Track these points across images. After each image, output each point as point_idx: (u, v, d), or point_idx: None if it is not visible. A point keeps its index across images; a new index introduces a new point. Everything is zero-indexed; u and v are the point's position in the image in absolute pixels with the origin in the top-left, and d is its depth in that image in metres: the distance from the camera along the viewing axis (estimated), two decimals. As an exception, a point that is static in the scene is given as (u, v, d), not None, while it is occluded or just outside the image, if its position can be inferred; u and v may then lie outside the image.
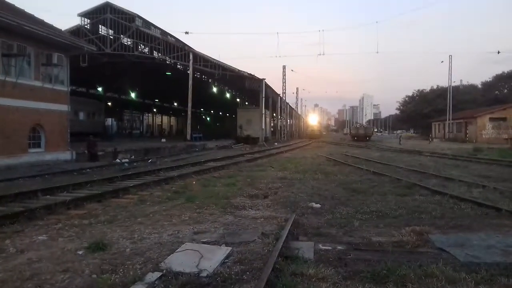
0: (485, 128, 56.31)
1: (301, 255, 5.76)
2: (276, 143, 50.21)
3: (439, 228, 7.52)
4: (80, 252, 5.95)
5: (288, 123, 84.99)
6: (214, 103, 79.54)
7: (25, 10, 21.75)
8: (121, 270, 5.16)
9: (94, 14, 40.86)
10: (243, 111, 52.96)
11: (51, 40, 20.90)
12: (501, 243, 6.36)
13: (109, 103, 60.21)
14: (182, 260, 5.43)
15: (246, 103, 78.14)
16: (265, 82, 49.28)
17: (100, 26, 42.10)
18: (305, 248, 6.15)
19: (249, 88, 49.85)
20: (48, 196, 10.83)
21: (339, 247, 6.27)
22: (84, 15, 40.86)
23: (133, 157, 25.67)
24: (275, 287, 4.49)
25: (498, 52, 42.73)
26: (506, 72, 76.51)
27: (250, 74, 46.42)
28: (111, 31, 42.38)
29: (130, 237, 6.82)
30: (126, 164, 21.23)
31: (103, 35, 42.18)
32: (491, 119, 56.42)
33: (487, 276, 4.91)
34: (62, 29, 26.61)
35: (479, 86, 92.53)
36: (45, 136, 21.55)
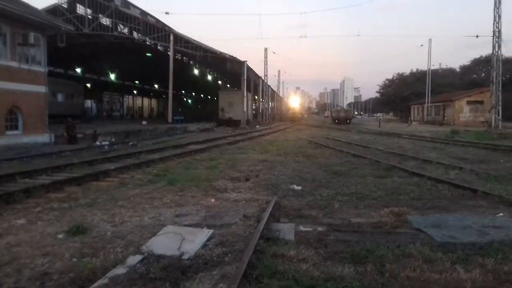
0: (462, 111, 57.31)
1: (282, 237, 5.82)
2: (258, 126, 50.21)
3: (417, 209, 7.69)
4: (60, 236, 5.90)
5: (270, 105, 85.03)
6: (195, 86, 78.84)
7: (-1, -12, 21.02)
8: (102, 253, 5.14)
9: (71, -7, 39.78)
10: (225, 94, 52.70)
11: (27, 19, 20.30)
12: (477, 223, 6.54)
13: (88, 85, 59.05)
14: (164, 243, 5.43)
15: (228, 85, 77.67)
16: (246, 64, 49.03)
17: (78, 5, 41.08)
18: (286, 229, 6.22)
19: (230, 71, 49.63)
20: (26, 179, 10.64)
21: (320, 229, 6.35)
22: (61, -7, 39.74)
23: (113, 139, 25.36)
24: (256, 269, 4.53)
25: (477, 36, 43.63)
26: (483, 56, 77.49)
27: (232, 56, 46.09)
28: (89, 11, 41.39)
29: (111, 220, 6.78)
30: (106, 147, 20.98)
31: (81, 15, 41.21)
32: (468, 102, 57.40)
33: (463, 256, 5.06)
34: (39, 8, 25.89)
35: (458, 69, 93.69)
36: (23, 118, 21.09)
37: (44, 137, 22.26)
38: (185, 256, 4.99)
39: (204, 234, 5.86)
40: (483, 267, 4.72)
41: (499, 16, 37.25)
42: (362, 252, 5.14)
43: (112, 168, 12.39)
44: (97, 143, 22.98)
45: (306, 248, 5.32)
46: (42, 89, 22.62)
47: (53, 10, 38.04)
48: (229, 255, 5.10)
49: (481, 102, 54.92)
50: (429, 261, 4.88)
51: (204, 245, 5.45)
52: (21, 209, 7.58)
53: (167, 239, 5.63)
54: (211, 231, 6.05)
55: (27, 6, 21.27)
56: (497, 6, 37.12)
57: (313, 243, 5.63)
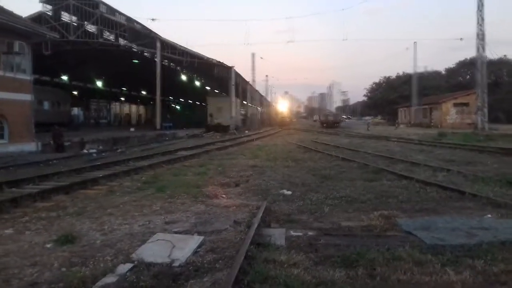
0: (449, 113, 57.94)
1: (273, 242, 5.81)
2: (246, 131, 50.20)
3: (406, 212, 7.74)
4: (48, 245, 5.83)
5: (259, 110, 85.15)
6: (183, 92, 78.48)
7: (-17, -4, 20.86)
8: (91, 262, 5.09)
9: (56, 0, 39.45)
10: (213, 99, 52.54)
11: (12, 28, 20.12)
12: (465, 225, 6.59)
13: (75, 92, 58.51)
14: (154, 251, 5.39)
15: (216, 91, 77.58)
16: (234, 69, 49.03)
17: (62, 12, 40.78)
18: (277, 235, 6.21)
19: (218, 76, 49.54)
20: (13, 189, 10.49)
21: (310, 233, 6.36)
22: (46, 1, 39.44)
23: (101, 147, 25.17)
24: (248, 275, 4.51)
25: (461, 39, 43.97)
26: (468, 58, 78.51)
27: (219, 62, 46.05)
28: (74, 18, 41.12)
29: (100, 228, 6.72)
30: (94, 155, 20.81)
31: (66, 22, 40.93)
32: (454, 105, 58.06)
33: (452, 258, 5.10)
34: (23, 16, 25.66)
35: (443, 72, 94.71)
36: (8, 127, 20.85)
37: (30, 146, 22.00)
38: (176, 264, 4.96)
39: (194, 241, 5.84)
40: (473, 268, 4.76)
41: (482, 19, 37.80)
42: (353, 256, 5.15)
43: (101, 175, 12.28)
44: (85, 151, 22.80)
45: (297, 252, 5.33)
46: (27, 97, 22.40)
47: (38, 18, 37.66)
48: (220, 261, 5.08)
49: (467, 104, 55.56)
50: (419, 263, 4.91)
51: (195, 252, 5.43)
52: (8, 219, 7.47)
53: (157, 246, 5.59)
54: (201, 237, 6.03)
55: (11, 14, 21.08)
56: (480, 8, 37.67)
57: (304, 248, 5.63)
